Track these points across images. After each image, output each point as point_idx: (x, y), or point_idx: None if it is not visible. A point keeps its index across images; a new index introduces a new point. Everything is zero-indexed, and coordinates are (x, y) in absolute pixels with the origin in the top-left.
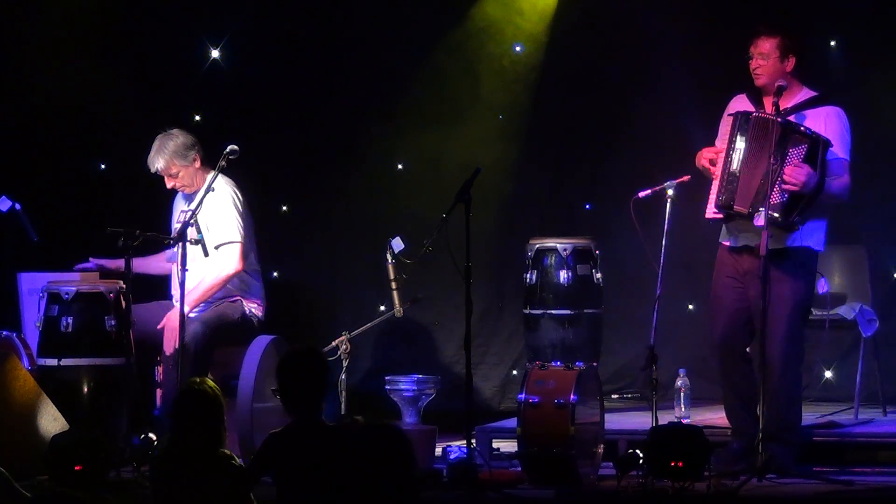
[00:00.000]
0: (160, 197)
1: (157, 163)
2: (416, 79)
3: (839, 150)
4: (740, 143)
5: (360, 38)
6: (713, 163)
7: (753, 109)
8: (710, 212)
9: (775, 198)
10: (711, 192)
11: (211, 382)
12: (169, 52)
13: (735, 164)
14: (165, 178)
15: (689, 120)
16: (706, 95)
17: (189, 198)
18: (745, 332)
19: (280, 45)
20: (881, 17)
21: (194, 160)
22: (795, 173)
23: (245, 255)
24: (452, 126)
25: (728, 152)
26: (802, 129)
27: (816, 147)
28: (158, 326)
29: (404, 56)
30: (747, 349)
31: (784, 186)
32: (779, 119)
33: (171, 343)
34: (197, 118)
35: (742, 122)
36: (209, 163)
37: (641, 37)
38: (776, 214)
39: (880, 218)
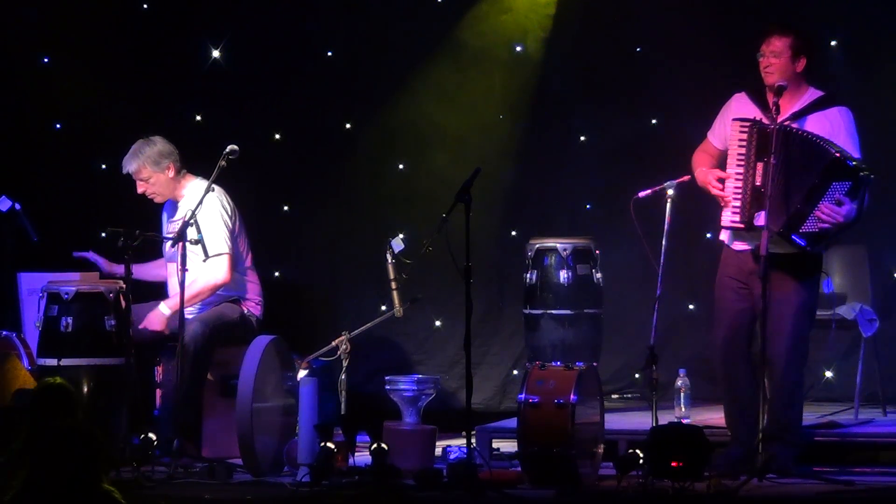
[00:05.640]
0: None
1: (130, 165)
2: (417, 79)
3: (851, 152)
4: (762, 157)
5: (361, 37)
6: (721, 181)
7: (757, 110)
8: (729, 221)
9: (807, 227)
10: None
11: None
12: (169, 53)
13: (760, 179)
14: (137, 183)
15: (689, 119)
16: (707, 95)
17: (176, 207)
18: (747, 334)
19: (280, 45)
20: (883, 16)
21: (167, 168)
22: (833, 212)
23: (234, 266)
24: (453, 126)
25: (747, 165)
26: (849, 162)
27: (860, 185)
28: (140, 326)
29: (405, 57)
30: (749, 351)
31: (821, 225)
32: (801, 132)
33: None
34: (198, 118)
35: (761, 134)
36: (202, 168)
37: (643, 36)
38: (802, 242)
39: (881, 218)
